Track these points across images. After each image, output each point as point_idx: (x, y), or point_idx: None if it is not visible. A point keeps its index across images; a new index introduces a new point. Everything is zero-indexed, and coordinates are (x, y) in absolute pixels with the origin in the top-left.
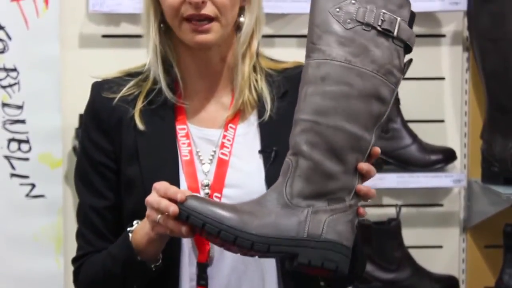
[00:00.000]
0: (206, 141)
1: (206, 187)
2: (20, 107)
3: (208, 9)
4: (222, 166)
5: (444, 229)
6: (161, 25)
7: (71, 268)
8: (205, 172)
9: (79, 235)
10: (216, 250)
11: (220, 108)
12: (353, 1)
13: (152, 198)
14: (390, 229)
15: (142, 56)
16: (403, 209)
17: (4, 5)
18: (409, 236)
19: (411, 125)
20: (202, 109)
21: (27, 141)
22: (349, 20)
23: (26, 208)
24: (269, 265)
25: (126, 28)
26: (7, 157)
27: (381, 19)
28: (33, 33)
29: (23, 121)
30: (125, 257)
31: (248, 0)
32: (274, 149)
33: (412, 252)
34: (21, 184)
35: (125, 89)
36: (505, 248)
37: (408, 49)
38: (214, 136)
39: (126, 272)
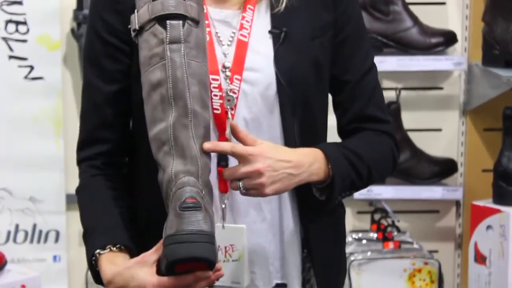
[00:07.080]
0: (225, 23)
1: (227, 69)
2: None
3: None
4: (241, 48)
5: (443, 112)
6: None
7: (70, 151)
8: (225, 54)
9: (83, 118)
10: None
11: None
12: None
13: None
14: (390, 112)
15: None
16: (403, 92)
17: None
18: (408, 119)
19: (412, 7)
20: None
21: (24, 23)
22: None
23: (25, 90)
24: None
25: None
26: (4, 39)
27: None
28: None
29: (20, 2)
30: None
31: None
32: (284, 30)
33: (411, 135)
34: (20, 66)
35: None
36: (504, 131)
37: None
38: (233, 17)
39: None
